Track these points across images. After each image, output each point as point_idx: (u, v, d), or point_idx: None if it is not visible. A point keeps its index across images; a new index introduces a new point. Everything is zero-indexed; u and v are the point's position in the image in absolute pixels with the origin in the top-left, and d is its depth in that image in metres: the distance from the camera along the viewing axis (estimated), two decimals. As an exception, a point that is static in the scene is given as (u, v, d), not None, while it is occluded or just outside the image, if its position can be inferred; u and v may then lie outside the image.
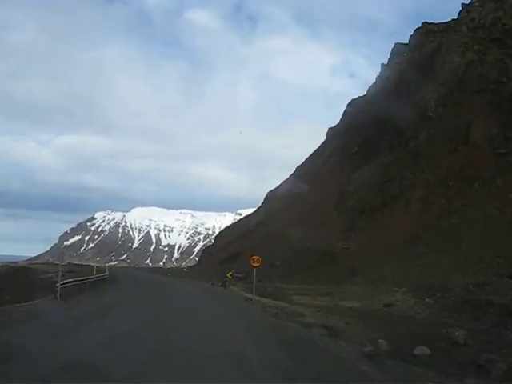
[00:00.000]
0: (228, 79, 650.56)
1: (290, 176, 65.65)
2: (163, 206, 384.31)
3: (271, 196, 62.39)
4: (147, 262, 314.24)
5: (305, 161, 66.82)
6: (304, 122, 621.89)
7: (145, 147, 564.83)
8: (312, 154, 67.10)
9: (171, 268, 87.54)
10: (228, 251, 43.24)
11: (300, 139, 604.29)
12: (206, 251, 62.60)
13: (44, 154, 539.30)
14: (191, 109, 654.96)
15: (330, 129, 70.10)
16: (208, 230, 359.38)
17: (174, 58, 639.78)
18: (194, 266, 62.10)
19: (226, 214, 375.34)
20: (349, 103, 72.39)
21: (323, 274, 29.58)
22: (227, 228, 67.91)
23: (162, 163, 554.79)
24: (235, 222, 64.90)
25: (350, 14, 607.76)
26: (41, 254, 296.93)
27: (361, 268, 29.18)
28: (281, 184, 64.39)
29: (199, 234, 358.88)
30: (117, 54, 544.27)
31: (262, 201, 65.81)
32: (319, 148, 66.36)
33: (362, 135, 49.54)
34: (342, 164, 48.30)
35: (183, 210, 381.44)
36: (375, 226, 35.33)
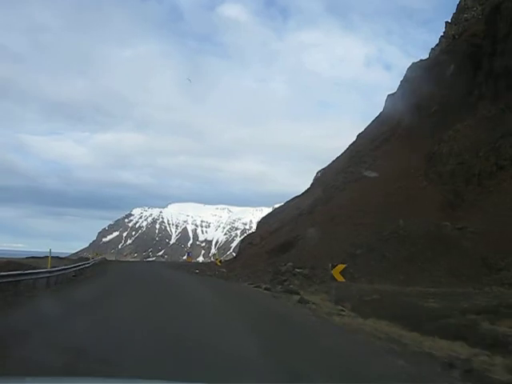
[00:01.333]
0: (261, 73, 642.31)
1: (343, 152, 55.19)
2: (199, 202, 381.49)
3: (324, 174, 52.15)
4: (184, 257, 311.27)
5: (361, 135, 56.31)
6: (339, 114, 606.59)
7: (180, 143, 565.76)
8: (369, 126, 56.77)
9: (204, 263, 78.38)
10: (278, 238, 32.92)
11: (335, 131, 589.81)
12: (245, 240, 52.63)
13: (81, 152, 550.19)
14: (225, 104, 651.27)
15: (389, 96, 60.30)
16: (245, 225, 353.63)
17: (207, 53, 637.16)
18: (231, 259, 52.62)
19: (263, 208, 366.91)
20: (409, 68, 63.86)
21: (439, 267, 18.90)
22: (270, 214, 57.72)
23: (196, 158, 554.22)
24: (279, 207, 54.56)
25: (384, 2, 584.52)
26: (80, 251, 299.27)
27: (492, 258, 18.39)
28: (332, 162, 54.83)
29: (236, 229, 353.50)
30: (151, 50, 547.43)
31: (312, 182, 56.38)
32: (378, 118, 55.88)
33: (441, 89, 38.48)
34: (420, 126, 37.13)
35: (220, 205, 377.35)
36: (490, 197, 24.22)
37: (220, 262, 35.64)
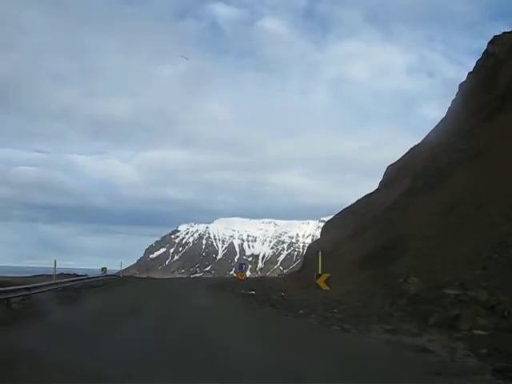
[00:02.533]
0: (302, 85, 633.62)
1: (412, 147, 44.86)
2: (245, 216, 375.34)
3: (397, 167, 42.35)
4: (231, 272, 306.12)
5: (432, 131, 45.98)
6: (381, 124, 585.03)
7: (223, 158, 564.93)
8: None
9: (262, 278, 66.76)
10: (365, 243, 23.34)
11: (378, 142, 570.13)
12: (311, 249, 43.17)
13: (126, 170, 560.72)
14: (267, 117, 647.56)
15: (461, 84, 49.70)
16: (291, 238, 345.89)
17: (247, 68, 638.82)
18: (294, 273, 43.22)
19: (310, 221, 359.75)
20: (490, 41, 52.13)
21: None
22: (335, 217, 48.24)
23: (241, 173, 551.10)
24: (348, 207, 44.85)
25: (424, 7, 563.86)
26: (127, 268, 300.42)
27: None
28: (402, 156, 45.30)
29: (283, 242, 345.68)
30: (192, 67, 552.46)
31: (382, 178, 46.90)
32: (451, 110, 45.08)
33: None
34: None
35: (265, 220, 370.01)
36: None
37: (281, 275, 26.07)
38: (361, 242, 24.90)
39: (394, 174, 42.02)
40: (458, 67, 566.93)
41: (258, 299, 19.62)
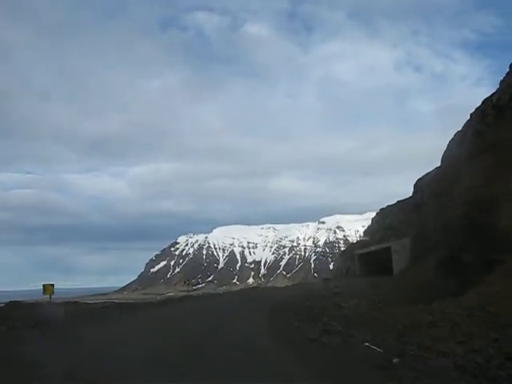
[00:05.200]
0: (291, 88, 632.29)
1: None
2: (244, 223, 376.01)
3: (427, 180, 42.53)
4: (234, 280, 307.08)
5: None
6: (373, 122, 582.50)
7: (217, 167, 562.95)
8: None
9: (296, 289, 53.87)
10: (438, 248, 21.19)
11: (372, 140, 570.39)
12: (347, 252, 46.51)
13: (120, 185, 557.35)
14: (258, 123, 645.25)
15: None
16: (292, 242, 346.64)
17: (236, 74, 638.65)
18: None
19: (309, 224, 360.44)
20: None
21: None
22: (378, 216, 52.92)
23: (237, 180, 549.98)
24: (383, 210, 49.01)
25: (407, 0, 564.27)
26: (129, 284, 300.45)
27: None
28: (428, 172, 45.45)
29: (284, 247, 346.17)
30: (179, 78, 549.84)
31: (414, 191, 50.32)
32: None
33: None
34: None
35: (265, 225, 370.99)
36: None
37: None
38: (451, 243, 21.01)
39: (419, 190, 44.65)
40: (444, 60, 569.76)
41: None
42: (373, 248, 53.63)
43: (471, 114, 31.88)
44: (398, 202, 64.41)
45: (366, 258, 55.54)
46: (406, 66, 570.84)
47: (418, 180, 47.89)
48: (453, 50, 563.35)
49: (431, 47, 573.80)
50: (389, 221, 64.03)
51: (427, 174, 44.13)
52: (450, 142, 37.02)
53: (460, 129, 34.66)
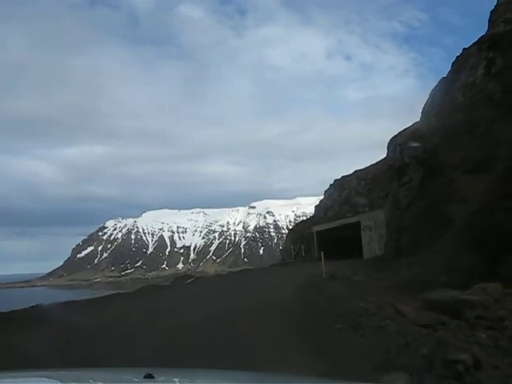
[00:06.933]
0: (223, 72, 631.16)
1: None
2: (174, 208, 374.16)
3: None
4: (163, 266, 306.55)
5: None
6: (304, 108, 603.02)
7: (148, 151, 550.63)
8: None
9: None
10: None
11: (303, 126, 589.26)
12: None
13: (45, 168, 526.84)
14: (190, 107, 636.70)
15: None
16: (222, 226, 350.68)
17: (167, 56, 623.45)
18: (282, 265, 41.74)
19: (239, 208, 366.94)
20: None
21: None
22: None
23: (167, 165, 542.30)
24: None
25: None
26: (55, 270, 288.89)
27: None
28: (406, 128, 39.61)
29: (214, 231, 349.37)
30: (110, 58, 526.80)
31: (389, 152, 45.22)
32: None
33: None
34: None
35: (195, 210, 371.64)
36: None
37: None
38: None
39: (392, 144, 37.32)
40: (373, 49, 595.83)
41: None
42: (335, 224, 44.09)
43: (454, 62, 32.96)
44: (356, 171, 58.42)
45: (325, 237, 44.53)
46: (336, 54, 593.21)
47: (392, 139, 38.61)
48: (382, 40, 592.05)
49: (362, 37, 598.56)
50: (345, 194, 56.60)
51: (404, 129, 38.36)
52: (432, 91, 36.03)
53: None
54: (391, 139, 38.47)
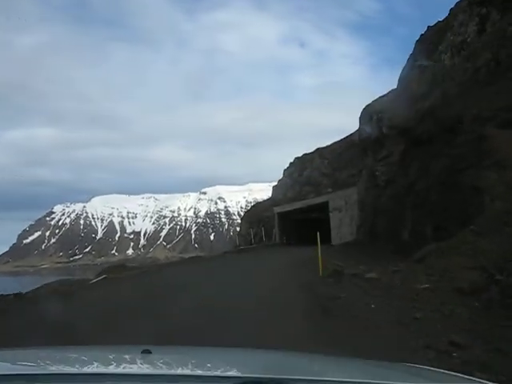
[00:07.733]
0: (175, 56, 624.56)
1: None
2: (124, 193, 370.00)
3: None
4: (113, 251, 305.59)
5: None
6: (257, 94, 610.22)
7: (98, 135, 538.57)
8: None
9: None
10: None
11: (255, 111, 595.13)
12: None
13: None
14: (140, 91, 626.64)
15: None
16: (173, 212, 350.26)
17: (117, 39, 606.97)
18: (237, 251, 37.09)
19: (190, 194, 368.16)
20: None
21: None
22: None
23: (117, 149, 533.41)
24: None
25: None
26: (0, 256, 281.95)
27: None
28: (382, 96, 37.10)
29: (164, 217, 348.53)
30: (56, 38, 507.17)
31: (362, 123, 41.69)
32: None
33: None
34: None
35: (145, 195, 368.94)
36: None
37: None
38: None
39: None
40: (327, 37, 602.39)
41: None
42: (299, 204, 39.25)
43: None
44: (318, 148, 54.36)
45: (288, 220, 40.25)
46: (290, 41, 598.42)
47: (366, 108, 34.39)
48: (336, 29, 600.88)
49: (316, 24, 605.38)
50: (306, 173, 51.92)
51: (381, 97, 34.75)
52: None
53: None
54: (364, 108, 34.33)
